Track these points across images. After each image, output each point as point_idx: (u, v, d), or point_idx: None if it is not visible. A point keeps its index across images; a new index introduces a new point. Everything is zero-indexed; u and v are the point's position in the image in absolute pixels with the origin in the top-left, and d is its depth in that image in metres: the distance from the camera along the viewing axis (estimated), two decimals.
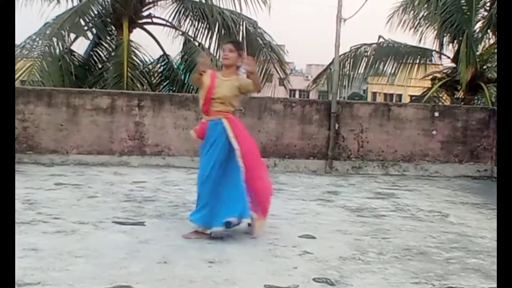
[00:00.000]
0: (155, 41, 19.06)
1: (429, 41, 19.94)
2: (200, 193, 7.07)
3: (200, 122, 7.49)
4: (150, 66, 19.20)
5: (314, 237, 7.26)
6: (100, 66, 18.12)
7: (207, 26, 18.39)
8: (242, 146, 7.23)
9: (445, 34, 19.02)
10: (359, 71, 20.00)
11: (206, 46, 18.47)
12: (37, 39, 16.57)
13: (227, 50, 7.62)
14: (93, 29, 17.93)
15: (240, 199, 6.90)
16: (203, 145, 7.34)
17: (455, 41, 18.89)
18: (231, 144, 7.17)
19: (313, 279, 5.59)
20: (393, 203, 9.78)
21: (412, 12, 20.38)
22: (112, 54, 17.83)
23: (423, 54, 19.95)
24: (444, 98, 20.78)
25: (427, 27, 19.87)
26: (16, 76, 15.50)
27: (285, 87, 20.01)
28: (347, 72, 19.86)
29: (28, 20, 19.14)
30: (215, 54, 18.38)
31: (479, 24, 18.37)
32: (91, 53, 18.28)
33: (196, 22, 18.60)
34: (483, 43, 18.77)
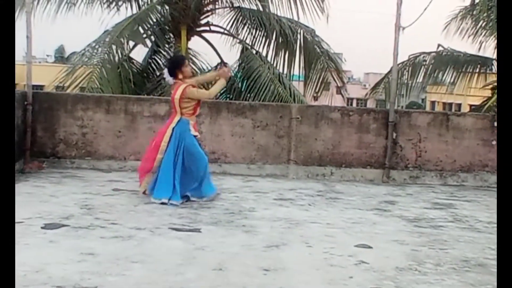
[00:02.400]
0: (213, 48, 19.19)
1: (489, 49, 19.66)
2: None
3: (193, 124, 9.52)
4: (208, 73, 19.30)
5: (370, 247, 7.20)
6: (158, 73, 18.27)
7: (265, 34, 18.44)
8: None
9: None
10: (417, 80, 19.81)
11: (264, 54, 18.52)
12: (97, 46, 16.80)
13: (188, 64, 10.10)
14: (152, 37, 18.11)
15: None
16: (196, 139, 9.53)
17: None
18: None
19: None
20: (451, 214, 9.65)
21: (471, 19, 20.09)
22: None
23: (483, 63, 19.67)
24: None
25: (487, 36, 19.57)
26: (76, 83, 15.74)
27: (343, 96, 19.95)
28: (405, 81, 19.70)
29: (88, 28, 19.44)
30: (272, 63, 18.41)
31: None
32: (150, 60, 18.46)
33: (254, 30, 18.66)
34: None
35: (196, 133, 9.47)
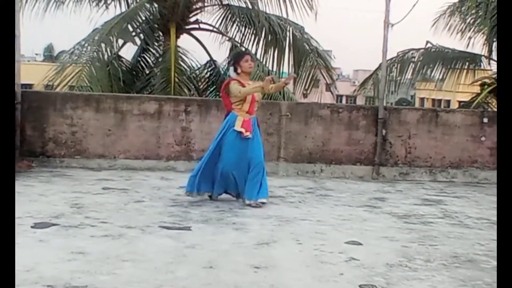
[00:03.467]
0: (202, 46, 19.19)
1: (477, 46, 19.70)
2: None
3: (243, 120, 9.02)
4: (197, 71, 19.32)
5: (360, 244, 7.21)
6: (147, 71, 18.28)
7: (254, 31, 18.43)
8: None
9: (494, 39, 18.79)
10: (406, 77, 19.86)
11: (253, 52, 18.49)
12: (86, 44, 16.77)
13: (250, 59, 9.36)
14: (141, 35, 18.09)
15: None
16: (236, 135, 9.02)
17: None
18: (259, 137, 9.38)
19: (359, 286, 5.54)
20: (441, 210, 9.67)
21: (459, 16, 20.13)
22: (160, 59, 17.97)
23: (471, 60, 19.73)
24: (493, 104, 20.51)
25: (476, 32, 19.60)
26: (65, 82, 15.72)
27: (332, 93, 19.97)
28: (394, 78, 19.74)
29: (77, 26, 19.41)
30: (261, 60, 18.40)
31: None
32: (139, 58, 18.45)
33: (243, 28, 18.65)
34: None
35: (242, 130, 8.97)
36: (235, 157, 8.97)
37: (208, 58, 19.36)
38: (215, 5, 19.10)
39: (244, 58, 9.27)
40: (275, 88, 9.54)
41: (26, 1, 17.39)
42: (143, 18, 17.81)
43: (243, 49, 18.49)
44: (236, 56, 9.84)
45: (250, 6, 18.30)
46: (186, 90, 17.02)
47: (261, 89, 9.09)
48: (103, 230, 7.18)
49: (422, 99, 59.38)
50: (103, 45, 16.52)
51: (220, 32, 18.99)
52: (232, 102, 9.07)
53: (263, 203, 9.02)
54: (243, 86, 9.00)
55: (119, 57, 17.75)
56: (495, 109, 19.31)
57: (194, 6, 18.90)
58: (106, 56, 16.60)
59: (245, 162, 9.03)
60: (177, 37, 18.03)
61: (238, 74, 9.19)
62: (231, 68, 9.51)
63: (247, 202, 8.99)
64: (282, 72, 19.01)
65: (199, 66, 19.29)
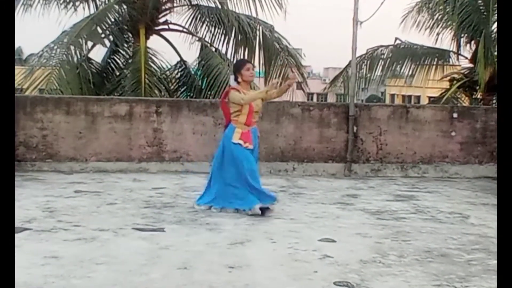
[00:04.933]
0: (172, 47, 19.11)
1: (446, 41, 19.84)
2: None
3: (241, 132, 8.70)
4: (167, 72, 19.25)
5: (334, 241, 7.24)
6: (117, 73, 18.18)
7: (224, 31, 18.41)
8: None
9: (462, 35, 18.94)
10: (376, 73, 19.94)
11: (223, 51, 18.50)
12: (55, 47, 16.65)
13: (251, 68, 9.06)
14: (110, 37, 17.97)
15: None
16: (242, 148, 8.70)
17: (473, 42, 18.82)
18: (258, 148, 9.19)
19: (334, 283, 5.57)
20: (413, 205, 9.74)
21: (427, 12, 20.26)
22: (130, 61, 17.88)
23: (440, 55, 19.87)
24: (462, 99, 20.67)
25: (444, 28, 19.74)
26: (35, 85, 15.63)
27: (303, 91, 19.97)
28: (364, 75, 19.82)
29: (46, 29, 19.26)
30: (232, 60, 18.39)
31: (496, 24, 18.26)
32: (109, 60, 18.35)
33: (213, 28, 18.62)
34: None
35: (240, 142, 8.66)
36: (236, 170, 8.67)
37: (178, 59, 19.30)
38: (184, 5, 19.06)
39: (246, 66, 8.97)
40: (279, 92, 9.19)
41: None
42: (112, 19, 17.71)
43: (213, 49, 18.49)
44: (237, 64, 9.56)
45: (219, 6, 18.28)
46: (156, 91, 16.97)
47: (265, 94, 8.87)
48: (76, 234, 7.14)
49: (392, 96, 59.70)
50: (72, 47, 16.41)
51: (190, 33, 18.94)
52: (231, 113, 8.80)
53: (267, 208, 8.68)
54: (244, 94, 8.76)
55: (89, 59, 17.65)
56: (465, 104, 19.50)
57: (163, 7, 18.82)
58: (75, 59, 16.49)
59: (246, 173, 8.66)
60: (147, 38, 17.96)
61: (238, 83, 8.88)
62: (231, 77, 9.24)
63: (247, 211, 8.57)
64: None
65: (169, 66, 19.23)
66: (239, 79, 8.88)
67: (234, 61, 9.18)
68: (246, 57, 18.37)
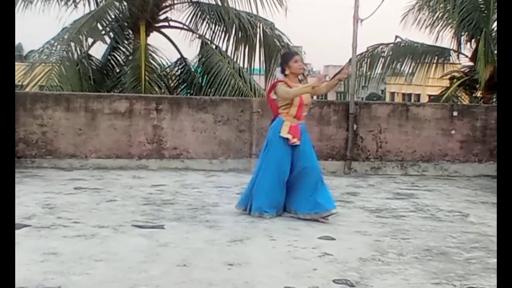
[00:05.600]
0: (172, 44, 19.13)
1: (446, 40, 19.83)
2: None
3: (289, 126, 8.24)
4: (167, 69, 19.25)
5: (333, 239, 7.24)
6: (118, 70, 18.19)
7: (224, 28, 18.42)
8: None
9: (462, 33, 18.94)
10: (376, 71, 19.93)
11: (224, 49, 18.50)
12: (55, 44, 16.65)
13: (300, 60, 8.55)
14: (111, 33, 17.98)
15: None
16: (283, 143, 8.25)
17: (473, 40, 18.81)
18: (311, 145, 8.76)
19: (333, 281, 5.57)
20: (413, 204, 9.74)
21: (428, 10, 20.25)
22: (130, 58, 17.88)
23: (440, 54, 19.85)
24: (462, 97, 20.67)
25: (444, 26, 19.73)
26: (35, 81, 15.63)
27: None
28: (365, 73, 19.80)
29: (46, 26, 19.26)
30: (232, 57, 18.40)
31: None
32: (109, 57, 18.35)
33: (213, 25, 18.63)
34: None
35: (288, 136, 8.20)
36: (283, 167, 8.25)
37: (179, 56, 19.30)
38: (184, 2, 19.06)
39: (294, 58, 8.47)
40: (327, 87, 8.82)
41: None
42: (113, 16, 17.71)
43: (214, 46, 18.47)
44: (285, 56, 8.97)
45: (219, 3, 18.31)
46: (156, 88, 16.98)
47: (312, 89, 8.46)
48: (75, 230, 7.14)
49: (392, 94, 59.61)
50: (72, 44, 16.41)
51: (190, 30, 18.94)
52: (279, 106, 8.36)
53: (331, 214, 8.22)
54: (291, 88, 8.30)
55: (89, 56, 17.66)
56: (465, 103, 19.49)
57: (164, 4, 18.82)
58: (75, 55, 16.51)
59: (296, 172, 8.32)
60: (147, 35, 17.97)
61: (286, 75, 8.42)
62: (278, 69, 8.74)
63: (302, 216, 8.19)
64: (254, 69, 19.02)
65: (169, 64, 19.23)
66: (287, 72, 8.42)
67: (282, 53, 8.34)
68: (246, 55, 18.38)
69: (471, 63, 19.16)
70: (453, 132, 13.25)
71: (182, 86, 19.13)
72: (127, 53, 18.32)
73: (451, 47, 19.76)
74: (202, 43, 18.72)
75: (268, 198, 8.26)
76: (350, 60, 13.57)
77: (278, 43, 18.62)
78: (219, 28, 18.58)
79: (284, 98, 8.28)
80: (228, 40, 18.49)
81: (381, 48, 19.81)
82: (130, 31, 18.38)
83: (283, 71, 8.49)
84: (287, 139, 8.19)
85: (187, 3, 18.97)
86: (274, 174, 8.22)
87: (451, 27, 19.33)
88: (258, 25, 18.47)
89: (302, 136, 8.34)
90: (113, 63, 18.47)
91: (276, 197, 8.31)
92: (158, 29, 18.90)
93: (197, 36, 18.83)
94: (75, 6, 17.83)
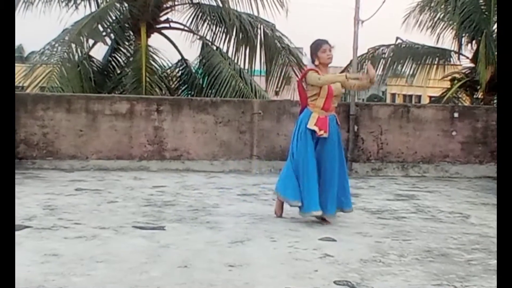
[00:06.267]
0: (173, 45, 19.11)
1: (447, 41, 19.81)
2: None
3: (317, 117, 7.96)
4: (168, 70, 19.23)
5: (334, 240, 7.23)
6: (118, 71, 18.18)
7: (225, 30, 18.40)
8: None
9: (463, 34, 18.91)
10: (377, 73, 19.89)
11: (224, 50, 18.49)
12: (56, 45, 16.65)
13: (328, 50, 8.17)
14: (111, 35, 17.97)
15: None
16: (310, 136, 7.99)
17: (474, 41, 18.78)
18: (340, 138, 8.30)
19: (334, 282, 5.57)
20: (414, 205, 9.74)
21: (429, 12, 20.23)
22: (131, 59, 17.87)
23: (441, 55, 19.83)
24: (463, 98, 20.65)
25: (445, 28, 19.73)
26: (36, 83, 15.63)
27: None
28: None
29: (47, 27, 19.26)
30: (233, 58, 18.40)
31: None
32: (110, 58, 18.34)
33: (214, 26, 18.61)
34: None
35: (315, 128, 7.94)
36: (309, 159, 7.98)
37: (179, 57, 19.28)
38: (185, 4, 19.05)
39: (322, 48, 8.15)
40: (360, 86, 8.53)
41: None
42: (113, 17, 17.69)
43: (214, 47, 18.46)
44: (313, 46, 8.39)
45: (220, 5, 18.30)
46: (157, 90, 16.96)
47: (345, 78, 8.19)
48: (76, 232, 7.14)
49: (393, 95, 59.60)
50: (73, 45, 16.41)
51: (191, 31, 18.93)
52: (308, 96, 8.13)
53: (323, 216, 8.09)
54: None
55: (90, 57, 17.65)
56: (465, 104, 19.48)
57: (165, 5, 18.81)
58: (76, 57, 16.49)
59: (320, 166, 8.05)
60: (148, 36, 17.96)
61: (316, 65, 8.16)
62: (309, 60, 8.47)
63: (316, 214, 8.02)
64: (254, 70, 19.01)
65: (170, 65, 19.21)
66: (316, 62, 8.15)
67: (312, 42, 8.00)
68: (247, 56, 18.37)
69: (472, 65, 19.12)
70: (454, 133, 13.25)
71: (183, 87, 19.11)
72: (128, 54, 18.30)
73: (452, 49, 19.74)
74: (203, 44, 18.70)
75: (289, 186, 8.06)
76: (351, 61, 13.57)
77: (279, 44, 18.61)
78: (220, 29, 18.56)
79: (314, 86, 8.04)
80: (229, 41, 18.47)
81: (382, 50, 19.79)
82: (131, 32, 18.37)
83: (313, 62, 8.24)
84: (315, 131, 7.95)
85: (188, 5, 18.97)
86: (300, 167, 7.99)
87: (452, 28, 19.31)
88: (259, 26, 18.46)
89: (331, 129, 8.02)
90: (114, 64, 18.46)
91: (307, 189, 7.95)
92: (159, 30, 18.89)
93: (198, 37, 18.81)
94: (76, 7, 17.84)
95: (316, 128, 7.93)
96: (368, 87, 8.66)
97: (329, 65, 8.25)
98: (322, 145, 8.02)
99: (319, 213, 7.92)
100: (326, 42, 8.25)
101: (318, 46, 8.20)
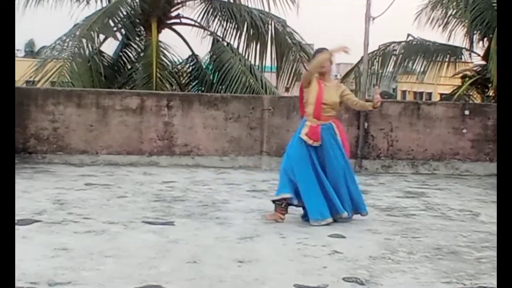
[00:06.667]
0: (184, 41, 19.11)
1: (458, 38, 19.75)
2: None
3: (309, 126, 7.86)
4: (179, 66, 19.25)
5: (344, 237, 7.22)
6: (129, 66, 18.20)
7: (236, 26, 18.40)
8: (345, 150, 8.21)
9: (475, 32, 18.86)
10: (388, 70, 19.86)
11: (235, 46, 18.49)
12: (67, 40, 16.68)
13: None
14: (122, 30, 17.99)
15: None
16: (304, 145, 7.85)
17: (485, 39, 18.73)
18: (339, 147, 8.10)
19: (343, 279, 5.56)
20: (423, 202, 9.71)
21: (441, 9, 20.16)
22: (141, 54, 17.89)
23: (453, 52, 19.76)
24: (474, 96, 20.58)
25: (457, 25, 19.66)
26: (46, 77, 15.64)
27: None
28: (376, 71, 19.73)
29: (58, 22, 19.30)
30: (244, 54, 18.39)
31: None
32: (120, 54, 18.37)
33: (225, 22, 18.61)
34: None
35: (305, 138, 7.83)
36: (304, 167, 7.84)
37: (190, 53, 19.29)
38: None
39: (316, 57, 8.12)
40: (361, 106, 8.64)
41: None
42: (124, 13, 17.70)
43: (225, 43, 18.45)
44: (313, 55, 8.51)
45: (231, 0, 18.30)
46: (168, 85, 16.97)
47: (329, 55, 7.93)
48: (86, 226, 7.16)
49: (404, 92, 59.47)
50: (84, 40, 16.43)
51: (201, 27, 18.94)
52: (304, 102, 8.07)
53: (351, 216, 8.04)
54: (320, 85, 7.89)
55: (101, 52, 17.67)
56: (476, 102, 19.41)
57: (176, 1, 18.83)
58: (87, 52, 16.52)
59: (325, 172, 7.96)
60: (159, 32, 17.97)
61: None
62: None
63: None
64: (265, 66, 19.00)
65: (181, 60, 19.22)
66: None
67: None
68: (257, 52, 18.36)
69: (484, 62, 19.06)
70: (464, 131, 13.20)
71: (193, 83, 19.12)
72: (139, 49, 18.32)
73: (463, 46, 19.69)
74: (213, 40, 18.70)
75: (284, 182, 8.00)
76: (362, 58, 13.55)
77: (289, 41, 18.60)
78: (230, 25, 18.57)
79: (308, 90, 7.97)
80: (240, 37, 18.48)
81: (393, 46, 19.73)
82: (142, 28, 18.39)
83: None
84: (305, 141, 7.84)
85: (199, 0, 18.98)
86: (296, 173, 7.89)
87: (463, 25, 19.25)
88: (269, 22, 18.45)
89: (324, 138, 7.85)
90: (125, 59, 18.48)
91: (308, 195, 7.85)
92: (169, 26, 18.90)
93: (209, 33, 18.82)
94: (87, 3, 17.90)
95: (306, 138, 7.83)
96: (370, 110, 8.86)
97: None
98: (320, 153, 7.94)
99: (328, 220, 7.79)
100: (321, 51, 8.15)
101: (315, 55, 8.24)
